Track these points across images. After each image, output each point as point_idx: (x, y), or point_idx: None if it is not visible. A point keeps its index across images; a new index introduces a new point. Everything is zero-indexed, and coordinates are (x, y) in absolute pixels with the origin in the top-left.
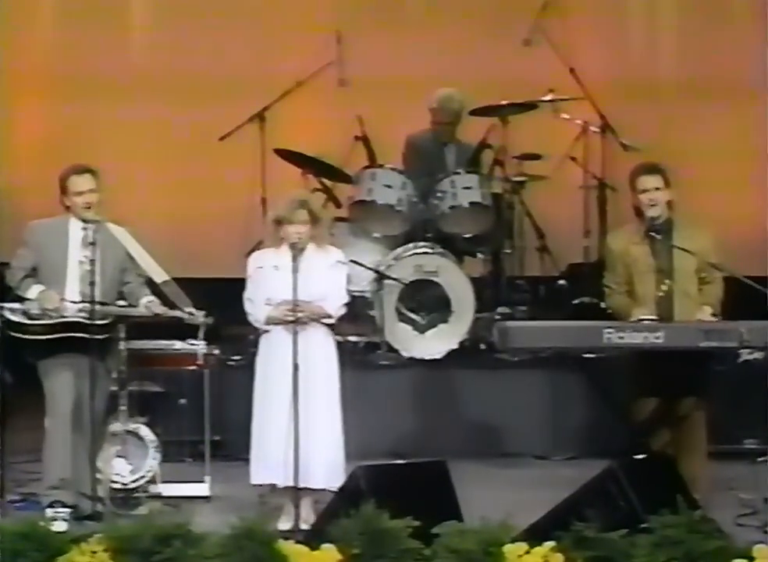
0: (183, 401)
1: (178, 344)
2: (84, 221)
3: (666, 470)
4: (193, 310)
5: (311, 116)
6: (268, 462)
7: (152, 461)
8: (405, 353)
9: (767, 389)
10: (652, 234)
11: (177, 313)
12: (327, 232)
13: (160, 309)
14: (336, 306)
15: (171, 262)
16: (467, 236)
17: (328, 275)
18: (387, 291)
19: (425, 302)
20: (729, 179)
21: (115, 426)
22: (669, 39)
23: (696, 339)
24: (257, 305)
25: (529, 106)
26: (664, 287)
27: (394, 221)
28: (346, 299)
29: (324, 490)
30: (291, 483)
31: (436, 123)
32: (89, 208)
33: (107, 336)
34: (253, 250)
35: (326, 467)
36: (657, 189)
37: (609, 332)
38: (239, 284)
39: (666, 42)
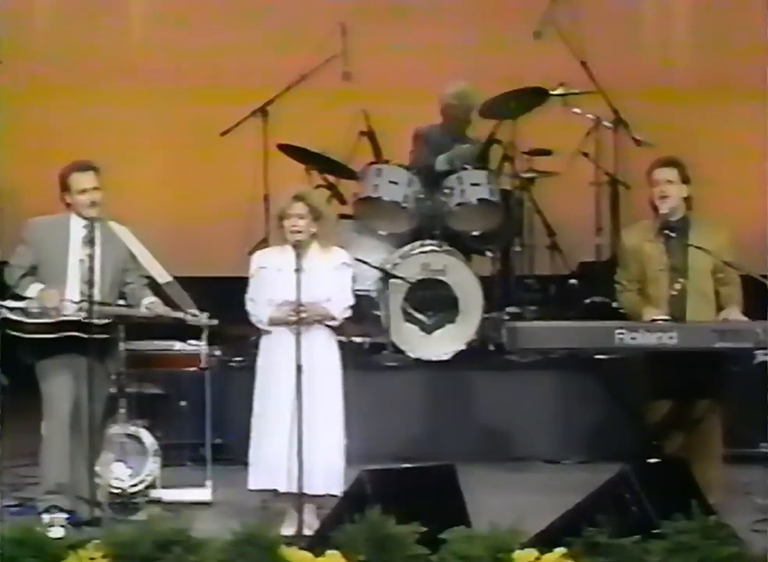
0: (183, 403)
1: (178, 345)
2: (87, 219)
3: (680, 474)
4: (196, 311)
5: (314, 111)
6: (267, 467)
7: (152, 465)
8: (411, 354)
9: None
10: (667, 232)
11: (180, 314)
12: (333, 232)
13: (162, 309)
14: (340, 308)
15: (171, 260)
16: (475, 233)
17: (333, 276)
18: (393, 290)
19: (432, 302)
20: (743, 176)
21: (114, 429)
22: (683, 32)
23: (710, 340)
24: (259, 305)
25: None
26: (677, 286)
27: (400, 218)
28: (351, 301)
29: (325, 496)
30: (292, 488)
31: (451, 119)
32: (94, 205)
33: (107, 336)
34: (255, 249)
35: (326, 472)
36: (669, 182)
37: (621, 333)
38: (240, 283)
39: (680, 35)
